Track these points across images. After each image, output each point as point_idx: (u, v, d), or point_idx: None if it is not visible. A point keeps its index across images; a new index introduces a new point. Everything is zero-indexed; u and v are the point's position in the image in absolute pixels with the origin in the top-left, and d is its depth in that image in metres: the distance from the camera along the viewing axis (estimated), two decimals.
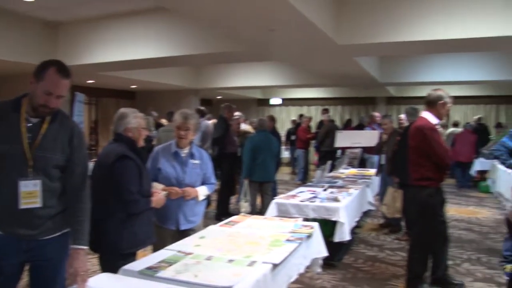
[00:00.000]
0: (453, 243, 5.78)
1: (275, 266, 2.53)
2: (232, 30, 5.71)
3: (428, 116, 4.02)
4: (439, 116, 4.05)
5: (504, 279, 4.57)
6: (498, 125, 11.97)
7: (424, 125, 3.96)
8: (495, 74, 10.15)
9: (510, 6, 5.27)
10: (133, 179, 2.81)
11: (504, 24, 5.31)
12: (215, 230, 3.33)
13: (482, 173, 10.29)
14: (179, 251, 2.70)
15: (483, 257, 5.30)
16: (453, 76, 10.45)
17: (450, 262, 4.98)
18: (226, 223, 3.53)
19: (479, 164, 9.99)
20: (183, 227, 3.41)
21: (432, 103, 4.07)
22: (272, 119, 8.25)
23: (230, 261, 2.53)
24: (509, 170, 6.67)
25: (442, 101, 4.04)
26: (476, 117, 13.07)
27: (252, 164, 6.06)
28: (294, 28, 5.26)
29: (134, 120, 2.97)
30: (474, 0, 5.44)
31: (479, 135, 10.47)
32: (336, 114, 16.62)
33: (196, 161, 3.45)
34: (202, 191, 3.46)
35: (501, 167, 7.65)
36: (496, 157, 4.70)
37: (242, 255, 2.64)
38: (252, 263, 2.49)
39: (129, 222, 2.79)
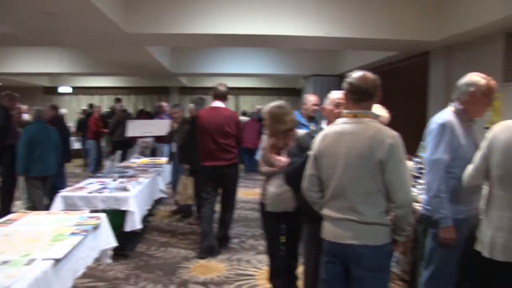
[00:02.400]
0: (240, 222, 6.32)
1: (57, 261, 2.43)
2: (2, 10, 5.11)
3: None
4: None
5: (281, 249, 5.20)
6: None
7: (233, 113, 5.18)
8: (277, 69, 11.24)
9: (280, 8, 5.90)
10: None
11: (277, 24, 5.93)
12: None
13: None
14: None
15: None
16: (240, 69, 11.22)
17: (236, 240, 5.45)
18: (2, 222, 3.23)
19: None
20: None
21: (223, 96, 5.24)
22: (54, 108, 7.59)
23: (4, 262, 2.33)
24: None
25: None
26: (259, 107, 14.29)
27: (28, 158, 5.49)
28: (76, 12, 4.97)
29: None
30: (259, 1, 5.93)
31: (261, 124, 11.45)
32: (130, 104, 16.36)
33: None
34: None
35: None
36: None
37: (19, 254, 2.46)
38: (30, 262, 2.34)
39: None
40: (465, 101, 2.75)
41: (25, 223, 3.21)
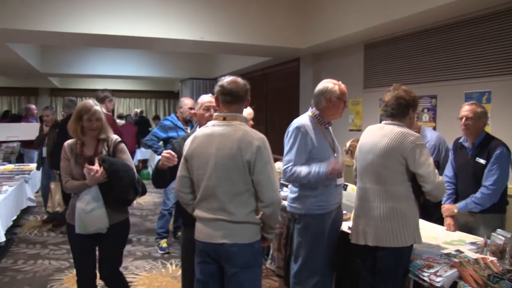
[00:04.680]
0: None
1: None
2: None
3: None
4: (107, 109, 5.26)
5: (159, 253, 5.14)
6: (156, 117, 13.13)
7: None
8: (154, 71, 11.08)
9: (154, 10, 5.82)
10: None
11: (150, 25, 5.84)
12: None
13: (144, 162, 11.11)
14: None
15: (142, 237, 5.79)
16: (116, 71, 10.87)
17: None
18: None
19: (140, 154, 10.76)
20: None
21: (101, 100, 5.21)
22: None
23: None
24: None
25: (108, 99, 5.43)
26: (137, 110, 14.00)
27: None
28: None
29: None
30: (132, 2, 5.79)
31: (140, 126, 11.22)
32: None
33: None
34: None
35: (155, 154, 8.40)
36: (149, 146, 5.16)
37: None
38: None
39: None
40: (322, 106, 2.99)
41: None
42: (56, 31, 5.61)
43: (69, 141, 2.99)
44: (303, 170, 2.83)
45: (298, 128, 2.91)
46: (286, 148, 2.94)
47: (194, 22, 5.97)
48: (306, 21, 6.21)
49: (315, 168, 2.81)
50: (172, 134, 4.89)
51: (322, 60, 6.85)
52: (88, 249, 2.98)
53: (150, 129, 11.35)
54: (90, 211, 2.82)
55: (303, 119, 2.99)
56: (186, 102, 4.95)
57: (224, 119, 2.40)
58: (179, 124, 4.93)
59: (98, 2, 5.60)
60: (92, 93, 15.22)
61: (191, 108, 4.79)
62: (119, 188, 2.87)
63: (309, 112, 3.05)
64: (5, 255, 4.98)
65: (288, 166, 2.86)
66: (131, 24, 5.73)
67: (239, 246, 2.32)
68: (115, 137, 3.06)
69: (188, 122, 4.99)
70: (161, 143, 5.12)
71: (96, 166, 2.82)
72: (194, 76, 11.01)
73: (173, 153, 2.66)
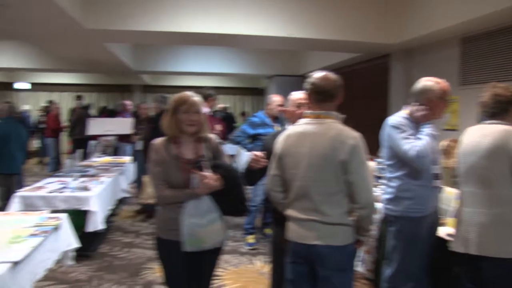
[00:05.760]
0: None
1: (15, 264, 2.34)
2: None
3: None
4: (209, 108, 5.50)
5: (245, 249, 5.18)
6: (243, 114, 13.31)
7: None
8: (240, 68, 11.22)
9: (243, 7, 5.88)
10: None
11: (239, 23, 5.90)
12: None
13: (231, 157, 11.29)
14: None
15: (230, 232, 5.88)
16: (203, 68, 11.14)
17: None
18: None
19: (227, 149, 10.92)
20: None
21: (205, 97, 5.13)
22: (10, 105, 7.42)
23: None
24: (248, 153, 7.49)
25: (212, 97, 5.50)
26: (223, 105, 14.27)
27: None
28: (33, 5, 4.79)
29: None
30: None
31: (226, 122, 11.42)
32: (92, 101, 15.98)
33: None
34: None
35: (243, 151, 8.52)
36: (237, 143, 5.23)
37: None
38: None
39: None
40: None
41: None
42: (149, 31, 5.85)
43: (159, 141, 2.55)
44: (421, 141, 2.70)
45: (395, 127, 2.81)
46: (396, 143, 2.80)
47: (280, 19, 5.95)
48: (397, 15, 5.95)
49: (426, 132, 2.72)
50: (260, 130, 4.92)
51: (414, 55, 6.54)
52: (185, 267, 2.55)
53: (234, 124, 11.54)
54: (206, 225, 2.44)
55: (398, 118, 2.87)
56: (274, 99, 4.95)
57: (317, 117, 2.35)
58: (268, 121, 4.94)
59: (187, 1, 5.77)
60: (181, 89, 15.51)
61: (280, 105, 4.78)
62: (237, 197, 2.56)
63: (405, 111, 2.92)
64: (103, 241, 5.29)
65: (415, 147, 2.70)
66: (219, 21, 5.82)
67: (333, 248, 2.26)
68: (213, 136, 2.69)
69: (276, 119, 4.99)
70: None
71: (208, 172, 2.41)
72: (281, 72, 10.99)
73: (261, 154, 2.64)
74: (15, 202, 4.27)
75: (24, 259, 2.45)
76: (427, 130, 2.73)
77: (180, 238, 2.43)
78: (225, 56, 10.91)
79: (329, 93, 2.35)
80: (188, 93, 2.56)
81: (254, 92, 16.37)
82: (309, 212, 2.30)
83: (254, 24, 5.92)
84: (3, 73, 15.06)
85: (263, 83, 13.25)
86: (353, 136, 2.27)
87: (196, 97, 2.55)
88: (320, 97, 2.35)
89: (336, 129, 2.29)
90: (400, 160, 2.81)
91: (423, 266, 2.87)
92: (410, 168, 2.77)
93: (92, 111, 12.59)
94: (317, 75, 2.40)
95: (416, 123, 2.84)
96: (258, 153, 2.66)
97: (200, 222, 2.43)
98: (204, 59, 10.93)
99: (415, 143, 2.68)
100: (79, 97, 11.09)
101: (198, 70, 11.20)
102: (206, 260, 2.61)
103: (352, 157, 2.22)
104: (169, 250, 2.52)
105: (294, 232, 2.38)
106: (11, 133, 5.66)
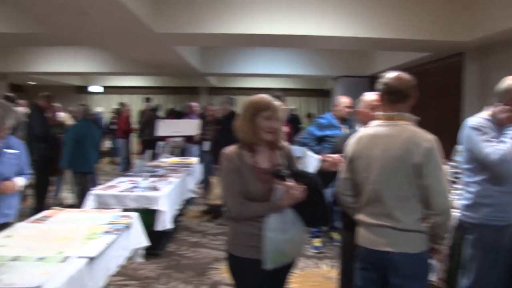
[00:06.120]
0: None
1: (91, 260, 2.43)
2: (36, 11, 5.20)
3: None
4: None
5: (311, 252, 5.12)
6: (309, 115, 13.20)
7: None
8: (305, 69, 11.14)
9: (308, 8, 5.81)
10: None
11: (304, 23, 5.84)
12: (24, 227, 3.05)
13: (297, 159, 11.21)
14: None
15: None
16: (269, 69, 11.17)
17: None
18: (38, 219, 3.26)
19: (293, 151, 10.87)
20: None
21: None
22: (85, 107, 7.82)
23: (40, 259, 2.35)
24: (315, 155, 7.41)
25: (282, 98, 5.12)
26: (288, 107, 14.20)
27: (75, 154, 5.75)
28: (107, 13, 5.00)
29: None
30: (287, 1, 5.86)
31: (292, 124, 11.39)
32: (160, 103, 16.49)
33: (13, 151, 3.17)
34: (19, 182, 3.18)
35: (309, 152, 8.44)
36: (304, 144, 5.16)
37: (54, 251, 2.47)
38: (65, 259, 2.35)
39: None
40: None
41: (59, 220, 3.24)
42: (216, 33, 5.94)
43: (232, 149, 2.32)
44: (505, 145, 2.52)
45: (476, 128, 2.65)
46: (476, 146, 2.64)
47: (348, 18, 5.85)
48: (471, 11, 5.64)
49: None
50: (328, 132, 4.83)
51: (491, 54, 6.18)
52: (263, 285, 2.32)
53: (300, 126, 11.47)
54: (290, 239, 2.24)
55: (479, 119, 2.71)
56: (342, 100, 4.85)
57: (389, 118, 2.26)
58: (335, 122, 4.85)
59: (254, 3, 5.79)
60: (247, 91, 15.89)
61: (348, 107, 4.68)
62: (321, 207, 2.34)
63: (486, 112, 2.75)
64: (171, 240, 5.41)
65: (498, 151, 2.52)
66: (286, 22, 5.81)
67: (406, 255, 2.16)
68: (286, 142, 2.50)
69: (344, 120, 4.89)
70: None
71: (291, 182, 2.21)
72: (347, 73, 10.79)
73: (338, 157, 2.57)
74: (89, 200, 4.47)
75: (99, 255, 2.54)
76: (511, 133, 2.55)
77: (260, 255, 2.19)
78: (291, 57, 10.87)
79: (402, 93, 2.25)
80: (268, 96, 2.35)
81: (320, 94, 16.22)
82: (381, 217, 2.21)
83: (321, 25, 5.85)
84: (78, 77, 15.91)
85: (329, 85, 13.08)
86: (428, 138, 2.16)
87: (277, 102, 2.33)
88: (393, 97, 2.26)
89: (410, 131, 2.19)
90: (480, 164, 2.64)
91: (504, 278, 2.69)
92: (492, 173, 2.60)
93: (160, 113, 12.96)
94: (390, 75, 2.31)
95: (499, 125, 2.66)
96: (335, 155, 2.59)
97: (284, 237, 2.20)
98: (270, 61, 10.95)
99: (499, 147, 2.51)
100: (148, 99, 11.47)
101: (264, 71, 11.24)
102: (284, 274, 2.45)
103: (428, 160, 2.11)
104: (246, 269, 2.28)
105: (364, 238, 2.30)
106: (86, 134, 5.94)
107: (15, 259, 2.35)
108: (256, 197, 2.23)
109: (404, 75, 2.30)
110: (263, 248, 2.18)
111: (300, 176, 2.28)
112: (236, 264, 2.32)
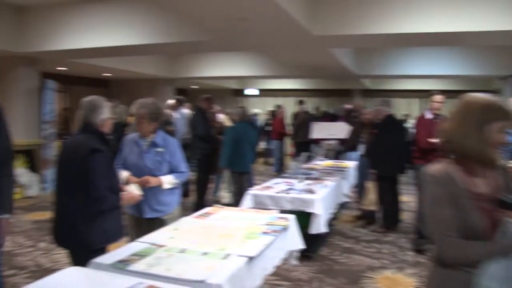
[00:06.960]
0: None
1: (250, 259, 2.46)
2: (201, 19, 5.56)
3: None
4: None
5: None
6: None
7: None
8: (467, 69, 10.29)
9: (470, 2, 5.30)
10: (104, 175, 2.70)
11: (470, 20, 5.34)
12: (189, 221, 3.24)
13: None
14: (152, 244, 2.61)
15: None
16: (426, 70, 10.56)
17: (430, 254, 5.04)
18: (201, 215, 3.44)
19: None
20: (148, 215, 3.42)
21: None
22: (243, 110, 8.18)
23: (204, 254, 2.45)
24: None
25: None
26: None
27: (233, 155, 6.05)
28: (267, 18, 5.14)
29: (108, 110, 2.86)
30: None
31: None
32: (313, 106, 16.61)
33: (159, 149, 3.42)
34: (167, 180, 3.41)
35: None
36: None
37: (216, 247, 2.57)
38: (226, 256, 2.42)
39: (99, 217, 2.69)
40: None
41: (220, 217, 3.38)
42: (372, 33, 5.75)
43: (439, 169, 1.75)
44: None
45: None
46: None
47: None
48: None
49: None
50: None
51: None
52: None
53: None
54: None
55: None
56: None
57: None
58: None
59: (408, 2, 5.48)
60: (402, 93, 15.25)
61: None
62: None
63: None
64: (324, 244, 5.35)
65: None
66: (442, 19, 5.43)
67: None
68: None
69: None
70: None
71: None
72: None
73: None
74: (247, 199, 4.61)
75: (258, 255, 2.57)
76: None
77: None
78: (450, 56, 10.14)
79: None
80: (498, 99, 1.74)
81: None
82: None
83: (485, 19, 5.31)
84: (236, 80, 16.82)
85: (496, 85, 11.86)
86: None
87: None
88: None
89: None
90: None
91: None
92: None
93: (315, 115, 13.05)
94: None
95: None
96: None
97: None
98: (428, 61, 10.35)
99: None
100: (301, 102, 11.61)
101: (421, 72, 10.68)
102: None
103: None
104: None
105: None
106: (243, 136, 6.20)
107: (182, 251, 2.49)
108: (476, 235, 1.67)
109: None
110: None
111: None
112: None
